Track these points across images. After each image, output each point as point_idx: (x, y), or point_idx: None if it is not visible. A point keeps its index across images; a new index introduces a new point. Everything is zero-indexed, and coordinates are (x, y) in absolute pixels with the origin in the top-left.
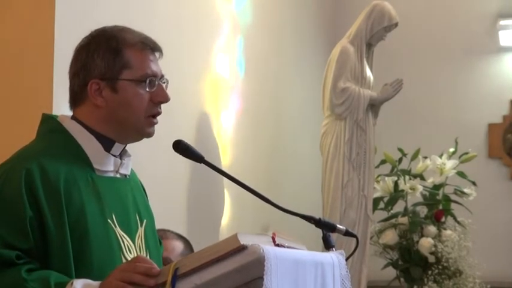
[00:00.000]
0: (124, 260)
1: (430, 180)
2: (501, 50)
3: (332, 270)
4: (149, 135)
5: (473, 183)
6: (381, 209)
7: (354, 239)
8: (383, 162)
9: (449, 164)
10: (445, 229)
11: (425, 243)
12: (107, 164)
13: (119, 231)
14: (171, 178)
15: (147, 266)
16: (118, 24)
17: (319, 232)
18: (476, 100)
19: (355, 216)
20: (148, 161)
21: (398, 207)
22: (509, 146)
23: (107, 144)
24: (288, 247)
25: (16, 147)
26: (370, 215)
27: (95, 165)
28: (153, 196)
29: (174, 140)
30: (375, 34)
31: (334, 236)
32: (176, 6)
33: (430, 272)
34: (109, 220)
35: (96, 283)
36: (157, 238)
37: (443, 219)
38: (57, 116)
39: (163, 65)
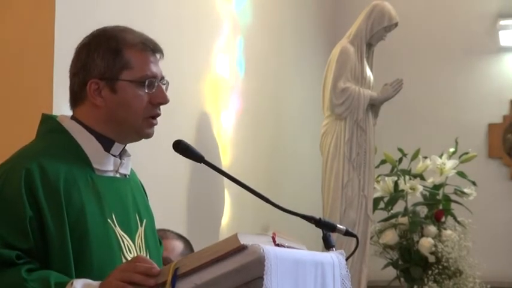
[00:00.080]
0: (124, 260)
1: (430, 180)
2: (501, 50)
3: (332, 270)
4: (148, 135)
5: (473, 183)
6: (381, 209)
7: (354, 239)
8: (383, 162)
9: (449, 164)
10: (445, 229)
11: (426, 243)
12: (106, 164)
13: (118, 231)
14: (171, 178)
15: (147, 266)
16: (118, 24)
17: (319, 232)
18: (476, 100)
19: (355, 216)
20: (148, 161)
21: (399, 207)
22: (509, 146)
23: (107, 144)
24: (288, 247)
25: (16, 147)
26: (370, 215)
27: (95, 165)
28: (153, 196)
29: (174, 140)
30: (375, 34)
31: (334, 236)
32: (176, 6)
33: (430, 272)
34: (109, 220)
35: (96, 283)
36: (157, 238)
37: (443, 219)
38: (56, 116)
39: (163, 65)
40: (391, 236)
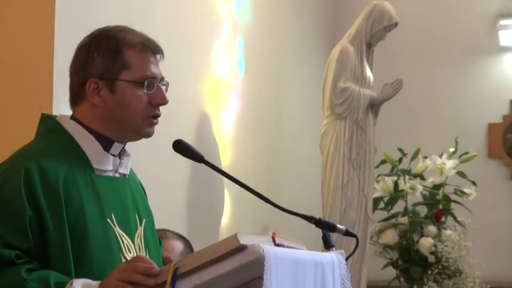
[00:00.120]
0: (123, 260)
1: (430, 180)
2: (501, 50)
3: (332, 270)
4: (148, 135)
5: (473, 183)
6: (381, 208)
7: (354, 239)
8: (383, 162)
9: (449, 164)
10: (445, 229)
11: (425, 243)
12: (106, 164)
13: (118, 230)
14: (171, 178)
15: (147, 266)
16: (118, 24)
17: (319, 232)
18: (476, 100)
19: (355, 216)
20: (148, 161)
21: (398, 207)
22: (509, 145)
23: (106, 144)
24: (288, 247)
25: (16, 147)
26: (370, 214)
27: (94, 165)
28: (153, 196)
29: (174, 140)
30: (375, 34)
31: (334, 236)
32: (176, 6)
33: (430, 272)
34: (108, 220)
35: (96, 283)
36: (157, 238)
37: (443, 219)
38: (56, 116)
39: (163, 65)
40: (391, 236)
